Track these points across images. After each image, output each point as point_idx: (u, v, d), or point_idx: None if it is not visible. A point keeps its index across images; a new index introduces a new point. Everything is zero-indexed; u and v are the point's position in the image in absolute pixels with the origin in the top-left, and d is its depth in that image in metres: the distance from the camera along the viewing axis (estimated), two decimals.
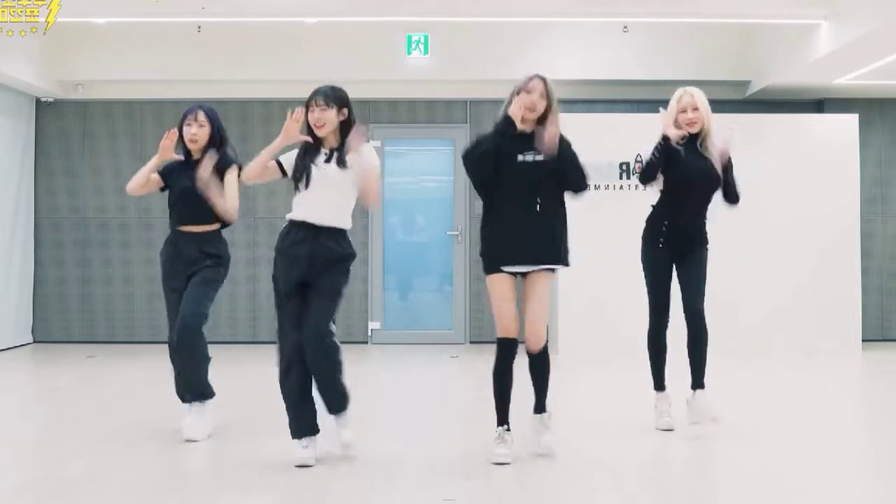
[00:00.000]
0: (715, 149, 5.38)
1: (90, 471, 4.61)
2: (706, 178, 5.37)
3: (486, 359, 8.62)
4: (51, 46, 9.60)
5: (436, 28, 9.66)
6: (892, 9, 6.92)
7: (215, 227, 5.41)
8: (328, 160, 4.81)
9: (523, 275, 4.93)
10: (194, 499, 4.30)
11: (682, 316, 5.39)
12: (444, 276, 10.36)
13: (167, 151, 5.30)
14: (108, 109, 10.17)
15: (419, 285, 10.46)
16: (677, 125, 5.42)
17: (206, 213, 5.29)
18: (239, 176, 5.24)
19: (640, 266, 5.56)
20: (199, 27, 8.95)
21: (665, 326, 5.52)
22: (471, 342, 10.08)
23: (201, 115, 5.29)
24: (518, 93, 4.82)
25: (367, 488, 4.45)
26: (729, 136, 5.38)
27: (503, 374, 4.96)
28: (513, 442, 4.86)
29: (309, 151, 4.86)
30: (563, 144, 4.82)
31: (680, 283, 5.43)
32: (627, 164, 9.10)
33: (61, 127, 10.19)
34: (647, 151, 5.44)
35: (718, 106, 9.45)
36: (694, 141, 5.41)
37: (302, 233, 4.88)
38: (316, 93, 4.82)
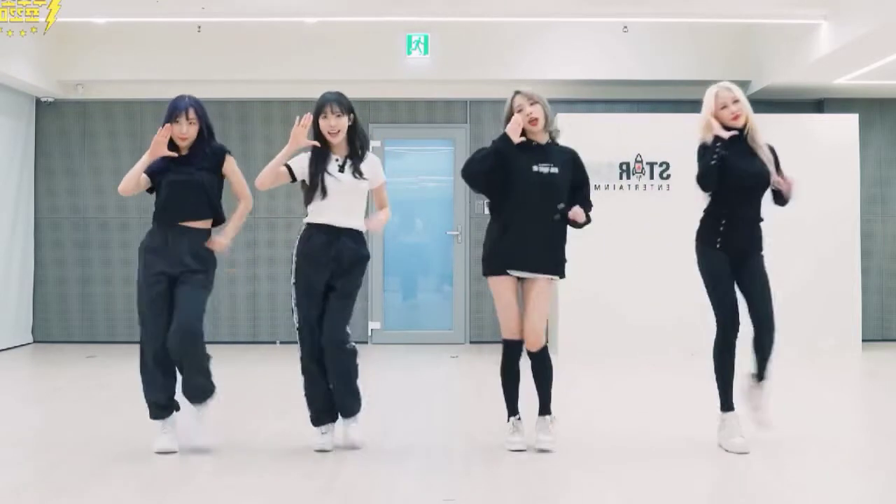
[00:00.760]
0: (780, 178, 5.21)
1: (90, 471, 4.61)
2: (755, 176, 5.13)
3: (486, 359, 8.65)
4: (51, 46, 9.60)
5: (436, 28, 9.66)
6: (892, 9, 6.92)
7: (208, 223, 5.18)
8: (341, 169, 5.00)
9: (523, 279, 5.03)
10: (194, 498, 4.30)
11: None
12: (444, 276, 10.36)
13: (160, 147, 5.05)
14: (108, 109, 10.17)
15: (419, 285, 10.46)
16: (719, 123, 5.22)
17: (202, 208, 5.10)
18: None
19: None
20: (199, 27, 8.95)
21: (735, 333, 5.14)
22: (471, 342, 10.08)
23: (191, 114, 5.10)
24: (509, 117, 4.99)
25: (368, 488, 4.45)
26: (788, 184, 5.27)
27: (509, 372, 5.07)
28: (524, 430, 5.00)
29: (319, 158, 5.05)
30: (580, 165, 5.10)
31: (742, 290, 5.18)
32: (627, 164, 9.10)
33: (61, 127, 10.19)
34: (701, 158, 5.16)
35: None
36: (738, 138, 5.13)
37: (325, 236, 4.96)
38: (328, 100, 5.02)
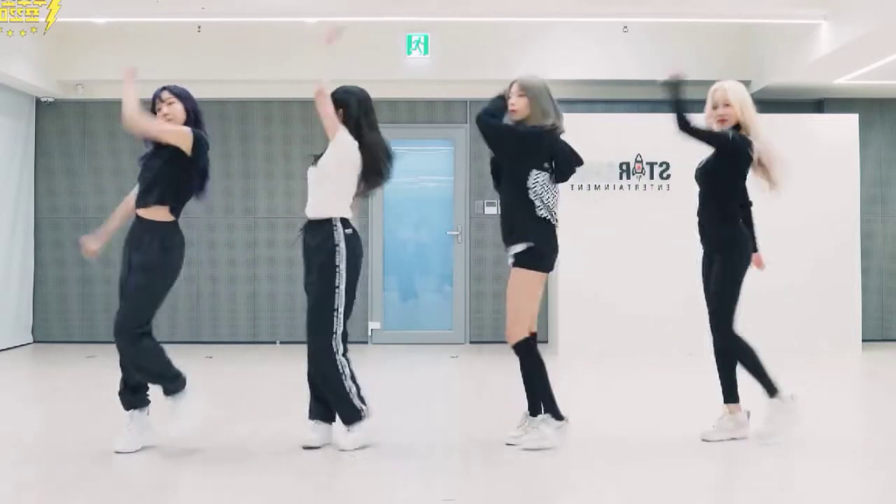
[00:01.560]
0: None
1: (90, 471, 4.61)
2: (703, 172, 5.28)
3: (486, 359, 8.65)
4: (51, 46, 9.61)
5: (436, 28, 9.66)
6: (892, 9, 6.92)
7: (161, 215, 4.89)
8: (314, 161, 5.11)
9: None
10: (193, 498, 4.30)
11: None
12: (444, 276, 10.36)
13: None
14: (108, 109, 10.15)
15: (419, 285, 10.46)
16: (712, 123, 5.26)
17: (151, 193, 4.89)
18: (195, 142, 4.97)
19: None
20: (199, 27, 8.95)
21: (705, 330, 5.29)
22: (471, 342, 10.08)
23: (166, 94, 5.03)
24: (503, 98, 5.17)
25: (367, 488, 4.45)
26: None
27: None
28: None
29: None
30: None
31: None
32: (627, 164, 9.10)
33: (61, 127, 10.19)
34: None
35: None
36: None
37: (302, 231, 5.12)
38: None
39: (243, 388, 7.23)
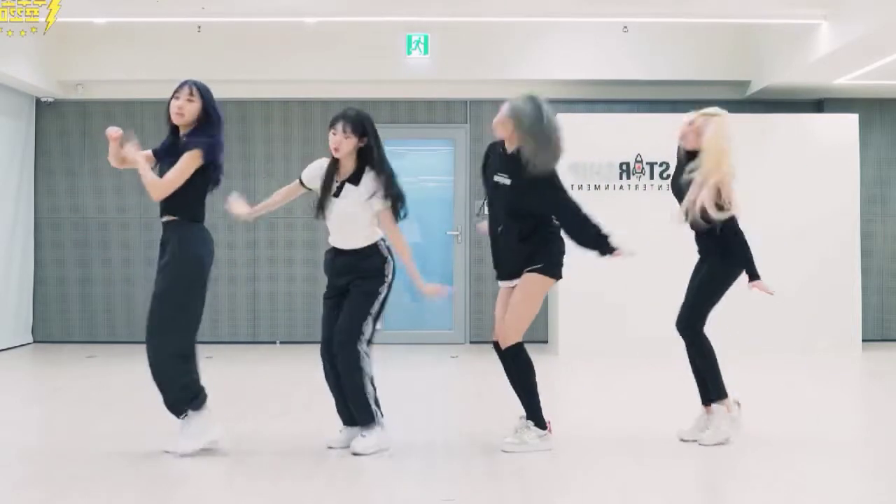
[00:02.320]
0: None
1: (90, 471, 4.61)
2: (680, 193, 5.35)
3: (486, 359, 8.63)
4: (51, 46, 9.60)
5: (436, 28, 9.66)
6: (892, 9, 6.92)
7: (172, 217, 4.93)
8: (336, 193, 5.15)
9: None
10: (193, 498, 4.30)
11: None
12: (444, 276, 10.34)
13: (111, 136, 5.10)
14: (108, 109, 10.17)
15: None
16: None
17: (167, 203, 4.94)
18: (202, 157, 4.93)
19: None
20: (199, 27, 8.95)
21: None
22: (471, 342, 10.08)
23: (190, 89, 4.94)
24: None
25: (367, 488, 4.45)
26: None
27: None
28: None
29: (327, 175, 5.23)
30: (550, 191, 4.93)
31: None
32: (627, 164, 9.10)
33: (61, 127, 10.19)
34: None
35: (718, 106, 9.49)
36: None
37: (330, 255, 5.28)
38: (336, 117, 5.05)
39: (243, 389, 7.23)
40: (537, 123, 4.80)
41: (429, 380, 8.07)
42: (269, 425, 5.72)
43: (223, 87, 9.96)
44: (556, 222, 5.01)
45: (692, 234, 5.47)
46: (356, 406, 4.92)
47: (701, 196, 5.09)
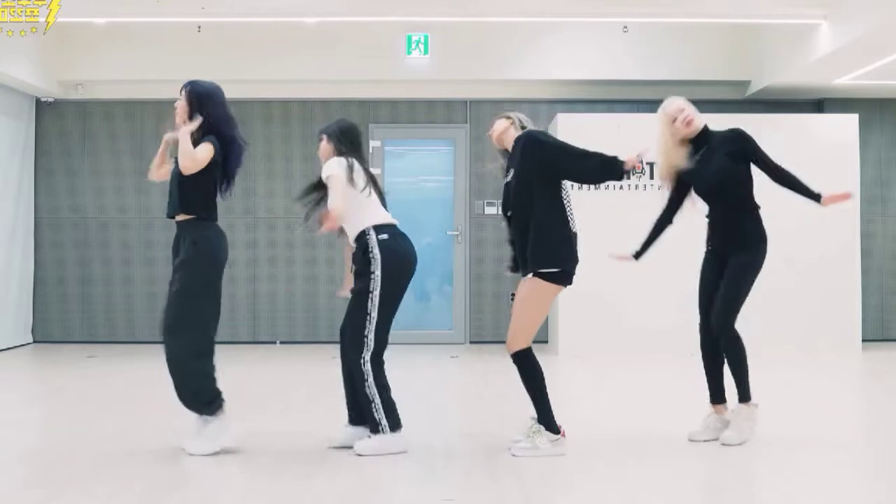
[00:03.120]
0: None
1: (90, 471, 4.61)
2: (702, 181, 5.32)
3: (486, 359, 8.66)
4: (51, 46, 9.61)
5: (436, 28, 9.66)
6: (892, 9, 6.92)
7: (187, 217, 4.94)
8: None
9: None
10: (193, 498, 4.30)
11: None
12: (444, 276, 10.36)
13: (168, 140, 5.06)
14: (108, 109, 10.18)
15: (419, 285, 10.45)
16: (680, 142, 5.36)
17: (175, 201, 4.94)
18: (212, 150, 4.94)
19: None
20: (199, 27, 8.95)
21: (703, 335, 5.29)
22: (471, 342, 10.08)
23: (181, 93, 5.04)
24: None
25: (367, 488, 4.45)
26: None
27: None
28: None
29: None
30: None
31: None
32: None
33: (61, 127, 10.19)
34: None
35: (718, 106, 9.52)
36: (701, 143, 5.32)
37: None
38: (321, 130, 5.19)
39: (243, 389, 7.22)
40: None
41: (429, 380, 8.07)
42: (270, 425, 5.72)
43: (223, 87, 9.97)
44: (564, 200, 4.94)
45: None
46: (365, 410, 4.94)
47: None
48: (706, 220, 5.41)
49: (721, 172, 5.24)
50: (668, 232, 5.63)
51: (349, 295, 5.04)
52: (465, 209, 10.14)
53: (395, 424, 4.93)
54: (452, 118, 10.27)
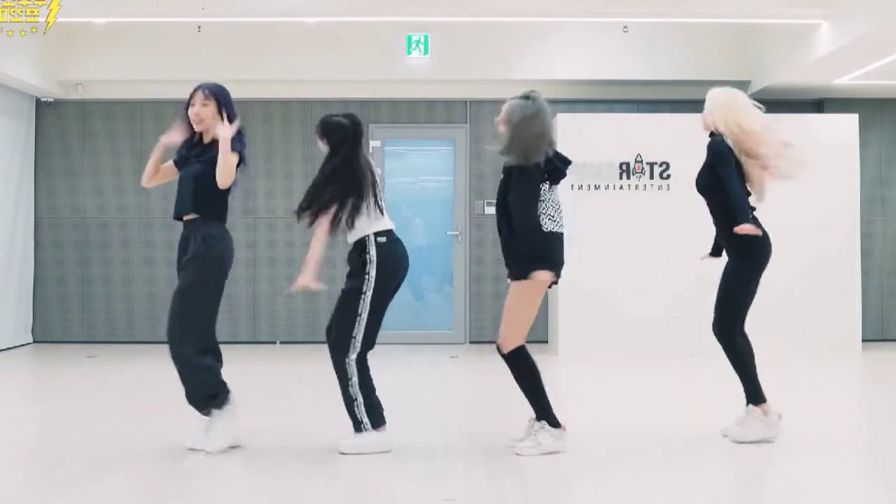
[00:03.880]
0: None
1: (90, 471, 4.61)
2: (700, 186, 5.32)
3: (486, 359, 8.65)
4: (51, 46, 9.61)
5: (436, 28, 9.66)
6: (892, 9, 6.92)
7: (197, 215, 4.99)
8: None
9: None
10: (193, 498, 4.30)
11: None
12: (444, 276, 10.36)
13: (166, 144, 5.09)
14: (108, 109, 10.18)
15: (419, 285, 10.45)
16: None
17: (188, 200, 4.98)
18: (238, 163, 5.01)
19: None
20: (199, 27, 8.95)
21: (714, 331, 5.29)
22: (471, 342, 10.08)
23: (203, 94, 5.00)
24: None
25: (367, 488, 4.45)
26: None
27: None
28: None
29: None
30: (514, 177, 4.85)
31: None
32: (627, 164, 9.10)
33: (61, 127, 10.19)
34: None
35: None
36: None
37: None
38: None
39: (243, 389, 7.20)
40: (522, 119, 4.82)
41: (429, 380, 8.07)
42: (270, 425, 5.72)
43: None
44: (542, 217, 4.84)
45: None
46: (347, 410, 4.93)
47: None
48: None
49: (701, 177, 5.25)
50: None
51: (306, 287, 5.01)
52: (465, 209, 10.14)
53: (377, 422, 4.94)
54: (452, 118, 10.27)
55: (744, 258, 5.18)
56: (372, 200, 4.95)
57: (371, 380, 5.02)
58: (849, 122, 9.35)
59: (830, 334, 9.11)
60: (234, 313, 10.02)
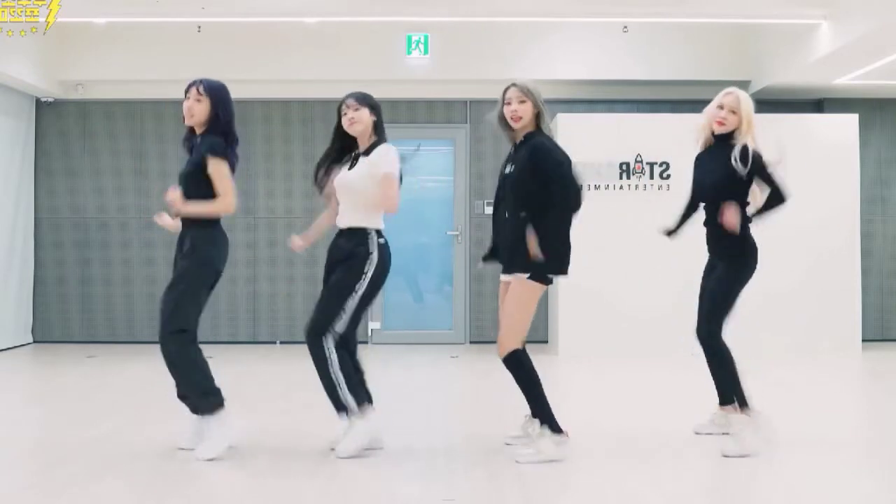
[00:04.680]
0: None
1: (90, 471, 4.61)
2: (705, 188, 5.31)
3: (486, 359, 8.65)
4: (51, 46, 9.61)
5: (436, 28, 9.66)
6: (892, 9, 6.92)
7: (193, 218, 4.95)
8: (351, 166, 5.07)
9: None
10: (193, 499, 4.30)
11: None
12: (444, 276, 10.36)
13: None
14: (108, 109, 10.18)
15: (419, 285, 10.46)
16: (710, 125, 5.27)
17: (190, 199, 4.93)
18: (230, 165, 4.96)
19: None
20: (199, 27, 8.95)
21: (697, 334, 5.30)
22: (471, 342, 10.08)
23: (197, 89, 4.95)
24: (499, 115, 5.12)
25: (367, 488, 4.45)
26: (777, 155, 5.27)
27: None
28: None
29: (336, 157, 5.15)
30: (544, 156, 4.81)
31: None
32: (627, 164, 9.10)
33: (61, 127, 10.19)
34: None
35: None
36: (722, 144, 5.24)
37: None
38: (345, 97, 5.06)
39: (243, 389, 7.22)
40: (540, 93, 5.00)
41: (429, 380, 8.07)
42: (270, 425, 5.72)
43: None
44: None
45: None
46: (329, 396, 4.86)
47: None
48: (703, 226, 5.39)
49: (721, 180, 5.20)
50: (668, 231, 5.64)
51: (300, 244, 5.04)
52: (465, 209, 10.14)
53: (361, 400, 4.85)
54: (452, 118, 10.27)
55: (740, 262, 5.18)
56: None
57: (360, 364, 4.98)
58: (849, 122, 9.35)
59: (830, 334, 9.11)
60: (234, 313, 10.03)
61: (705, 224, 5.34)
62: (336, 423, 5.05)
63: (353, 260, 4.90)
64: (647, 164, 9.12)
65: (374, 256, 4.91)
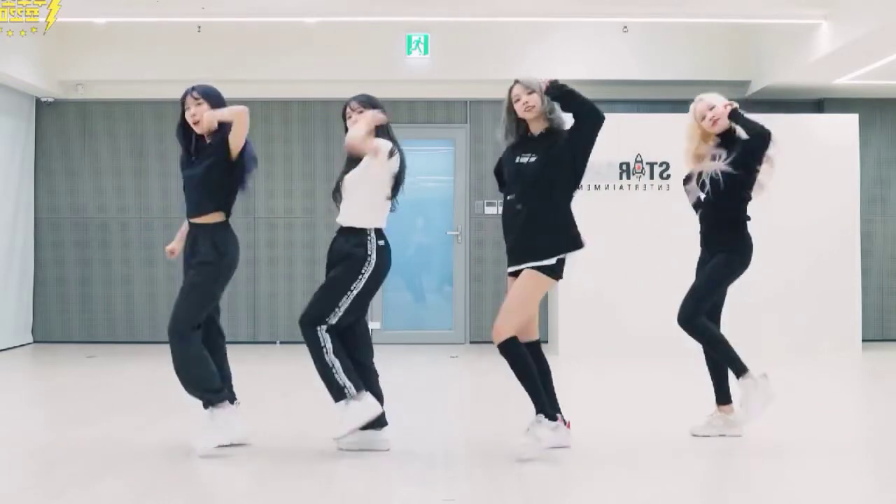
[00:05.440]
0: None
1: (90, 471, 4.61)
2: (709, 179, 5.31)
3: (487, 359, 8.65)
4: (51, 46, 9.61)
5: (436, 28, 9.66)
6: (892, 9, 6.92)
7: (214, 217, 5.07)
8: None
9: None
10: (193, 499, 4.30)
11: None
12: (444, 276, 10.36)
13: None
14: (108, 109, 10.17)
15: (419, 285, 10.45)
16: (705, 136, 5.33)
17: (202, 202, 5.01)
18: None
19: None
20: (199, 27, 8.96)
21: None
22: (471, 342, 10.08)
23: (193, 95, 5.00)
24: (509, 107, 5.05)
25: (367, 488, 4.45)
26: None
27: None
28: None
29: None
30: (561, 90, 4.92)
31: None
32: (627, 164, 9.10)
33: (61, 127, 10.19)
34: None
35: None
36: (729, 142, 5.31)
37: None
38: (351, 99, 5.20)
39: (243, 389, 7.21)
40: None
41: (429, 380, 8.07)
42: (270, 425, 5.72)
43: (223, 87, 9.82)
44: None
45: (690, 231, 5.47)
46: (325, 385, 4.84)
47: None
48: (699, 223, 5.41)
49: (732, 178, 5.23)
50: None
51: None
52: (465, 209, 10.14)
53: (359, 385, 4.81)
54: (452, 118, 10.27)
55: (735, 256, 5.22)
56: (389, 192, 5.01)
57: (371, 366, 5.00)
58: (849, 122, 9.35)
59: (830, 334, 9.11)
60: (234, 313, 10.02)
61: (701, 220, 5.35)
62: (335, 422, 5.06)
63: (350, 260, 4.91)
64: (647, 164, 9.12)
65: (373, 258, 4.91)
